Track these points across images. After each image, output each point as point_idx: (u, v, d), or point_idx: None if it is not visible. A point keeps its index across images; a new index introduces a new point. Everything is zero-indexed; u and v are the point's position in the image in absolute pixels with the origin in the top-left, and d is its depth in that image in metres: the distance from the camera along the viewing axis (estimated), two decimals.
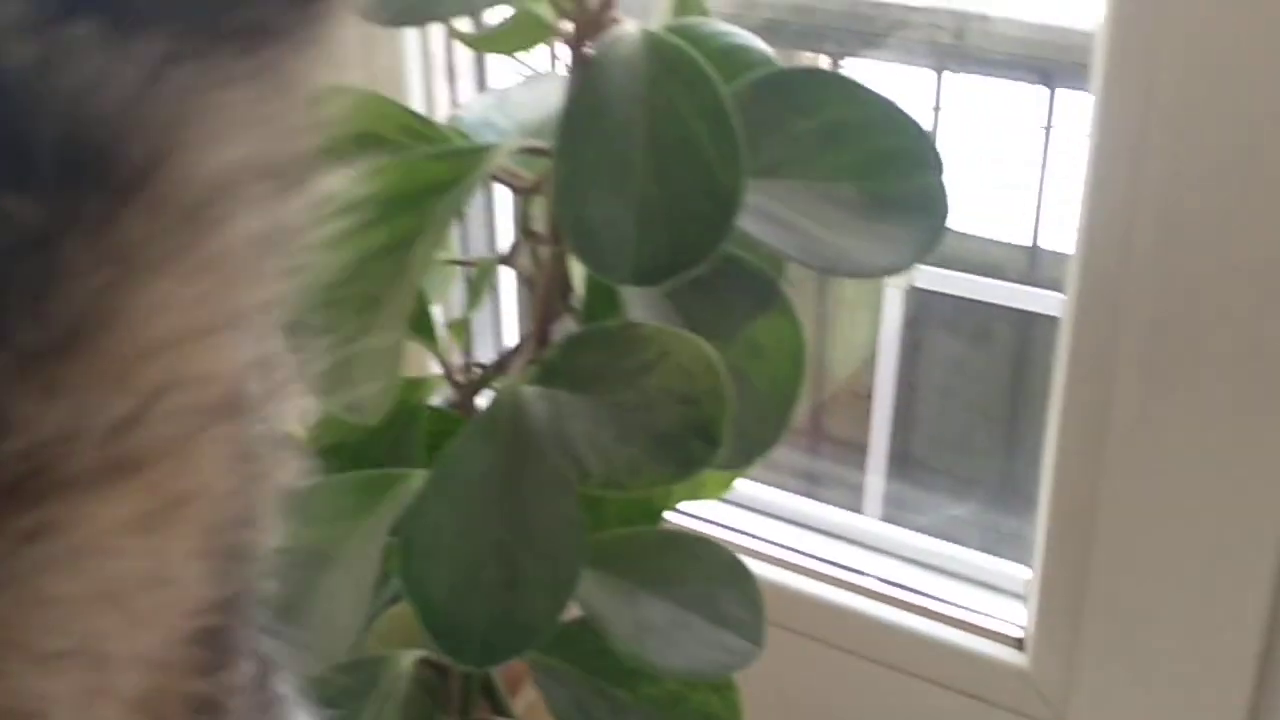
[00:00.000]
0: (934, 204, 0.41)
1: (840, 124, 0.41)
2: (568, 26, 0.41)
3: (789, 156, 0.41)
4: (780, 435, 0.44)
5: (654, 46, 0.39)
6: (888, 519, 0.98)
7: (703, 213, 0.37)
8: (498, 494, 0.40)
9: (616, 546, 0.44)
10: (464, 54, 0.64)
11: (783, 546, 0.82)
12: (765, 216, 0.41)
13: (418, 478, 0.43)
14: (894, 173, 0.41)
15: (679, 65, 0.38)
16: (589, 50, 0.39)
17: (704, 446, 0.39)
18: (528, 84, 0.57)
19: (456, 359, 0.52)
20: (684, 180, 0.38)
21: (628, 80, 0.38)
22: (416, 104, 0.61)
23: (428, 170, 0.37)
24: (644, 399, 0.40)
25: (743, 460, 0.43)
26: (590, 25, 0.39)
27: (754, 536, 0.81)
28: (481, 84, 0.65)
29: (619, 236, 0.37)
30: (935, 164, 0.41)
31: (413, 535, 0.40)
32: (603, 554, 0.43)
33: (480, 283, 0.46)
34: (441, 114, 0.62)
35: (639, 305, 0.43)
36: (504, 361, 0.51)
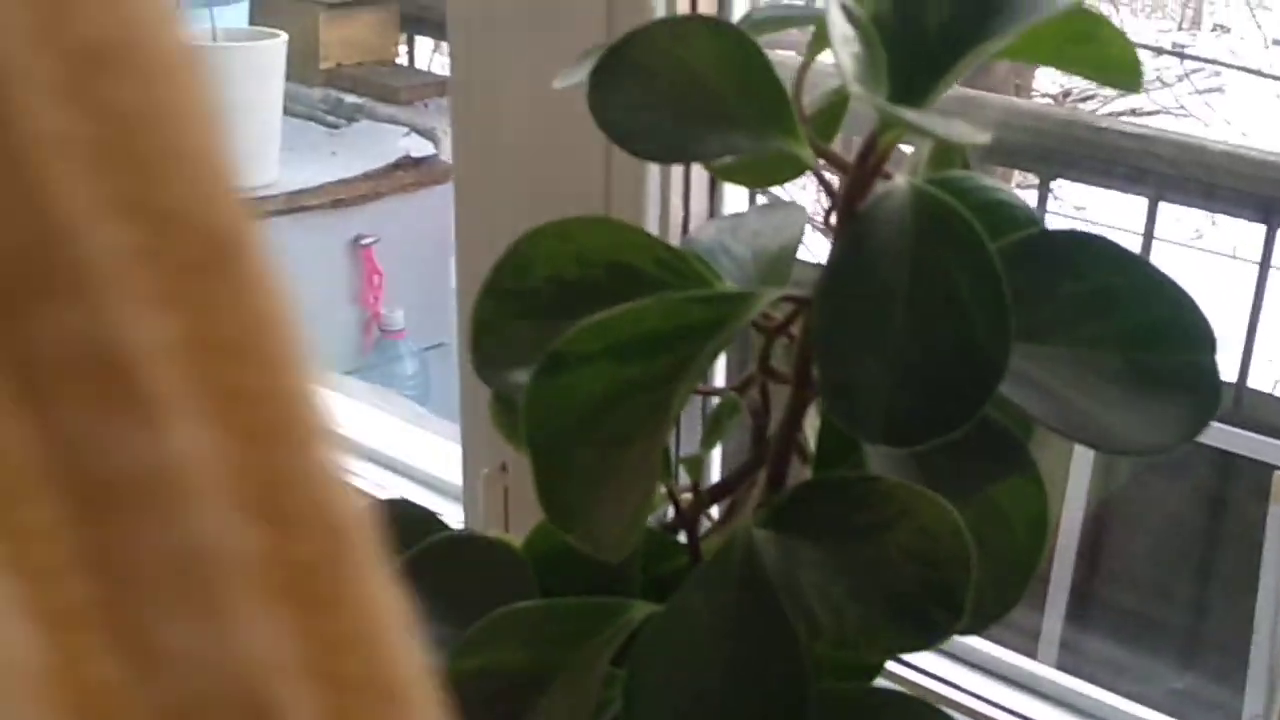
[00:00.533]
0: (1204, 383, 0.39)
1: (1109, 291, 0.40)
2: (827, 170, 0.41)
3: (1052, 321, 0.40)
4: (1015, 602, 0.42)
5: (921, 202, 0.38)
6: (1064, 666, 0.94)
7: (964, 377, 0.36)
8: (726, 640, 0.39)
9: (833, 703, 0.43)
10: (700, 175, 0.64)
11: (946, 682, 0.79)
12: (1023, 380, 0.39)
13: (641, 609, 0.43)
14: (1163, 346, 0.39)
15: (948, 223, 0.38)
16: (856, 204, 0.39)
17: (945, 615, 0.37)
18: (763, 211, 0.57)
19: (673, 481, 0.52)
20: (946, 342, 0.37)
21: (894, 236, 0.38)
22: (651, 225, 0.62)
23: (689, 312, 0.38)
24: (881, 557, 0.39)
25: (973, 627, 0.42)
26: (864, 181, 0.39)
27: (920, 670, 0.79)
28: (713, 204, 0.66)
29: (874, 396, 0.37)
30: (1208, 341, 0.39)
31: (638, 673, 0.39)
32: (819, 709, 0.42)
33: (723, 418, 0.46)
34: (674, 235, 0.63)
35: (878, 456, 0.42)
36: (723, 489, 0.50)
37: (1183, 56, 3.86)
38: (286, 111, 1.96)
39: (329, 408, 0.16)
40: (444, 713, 0.17)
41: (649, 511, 0.40)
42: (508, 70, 0.67)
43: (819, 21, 0.43)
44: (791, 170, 0.48)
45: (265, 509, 0.15)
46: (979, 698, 0.78)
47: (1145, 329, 0.40)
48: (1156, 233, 1.67)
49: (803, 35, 0.47)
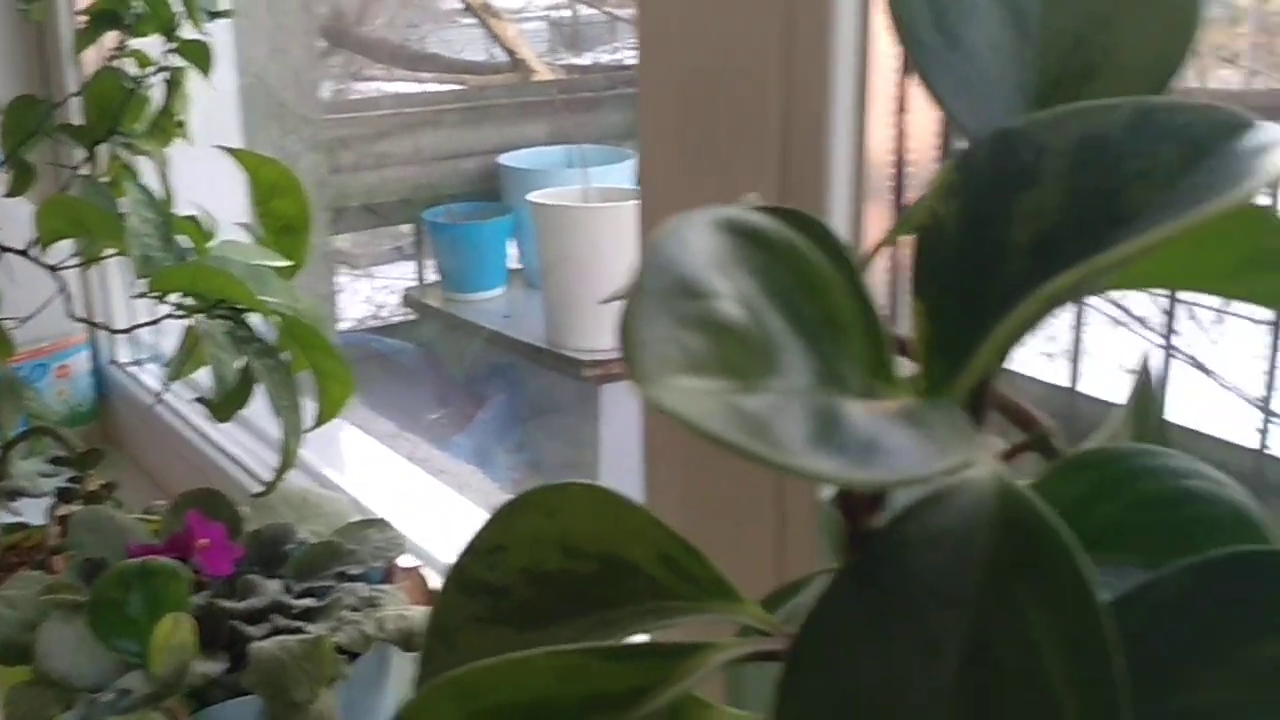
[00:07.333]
0: None
1: None
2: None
3: (1227, 703, 0.24)
4: None
5: (1010, 514, 0.24)
6: None
7: None
8: None
9: None
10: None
11: None
12: None
13: None
14: None
15: (1041, 550, 0.23)
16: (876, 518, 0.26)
17: None
18: None
19: None
20: None
21: (949, 569, 0.24)
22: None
23: (593, 676, 0.25)
24: None
25: None
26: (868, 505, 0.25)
27: None
28: None
29: None
30: None
31: None
32: None
33: None
34: None
35: None
36: None
37: None
38: None
39: None
40: None
41: None
42: None
43: None
44: None
45: None
46: None
47: None
48: None
49: None
